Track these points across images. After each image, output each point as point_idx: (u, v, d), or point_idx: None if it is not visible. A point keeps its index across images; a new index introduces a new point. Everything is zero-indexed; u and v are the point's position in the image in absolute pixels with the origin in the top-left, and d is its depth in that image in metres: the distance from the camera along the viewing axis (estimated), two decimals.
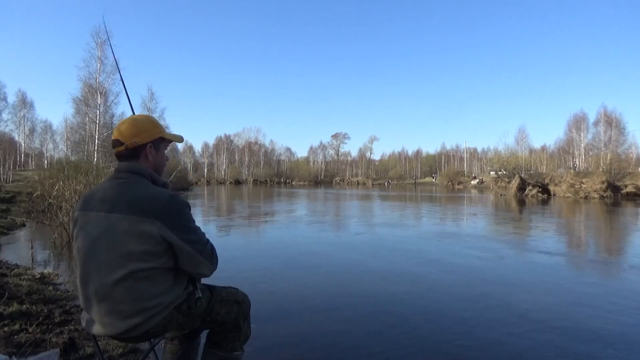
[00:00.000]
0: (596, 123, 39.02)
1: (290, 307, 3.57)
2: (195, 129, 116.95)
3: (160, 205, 1.25)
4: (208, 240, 1.37)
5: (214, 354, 1.51)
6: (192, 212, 1.37)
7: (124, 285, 1.23)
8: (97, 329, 1.30)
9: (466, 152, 77.81)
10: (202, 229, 1.39)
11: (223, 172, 71.36)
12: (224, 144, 74.91)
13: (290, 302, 3.72)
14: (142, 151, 1.40)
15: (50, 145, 40.64)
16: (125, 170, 1.36)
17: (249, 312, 1.57)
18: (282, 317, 3.28)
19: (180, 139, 1.61)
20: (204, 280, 1.46)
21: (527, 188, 25.65)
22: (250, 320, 1.58)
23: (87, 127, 20.97)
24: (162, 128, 1.47)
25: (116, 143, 1.38)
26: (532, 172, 34.44)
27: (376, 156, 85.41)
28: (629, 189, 24.27)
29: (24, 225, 9.07)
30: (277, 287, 4.22)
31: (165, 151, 1.52)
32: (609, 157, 31.02)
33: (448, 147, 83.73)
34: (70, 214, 1.45)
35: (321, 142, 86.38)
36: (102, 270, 1.25)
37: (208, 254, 1.35)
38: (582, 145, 40.61)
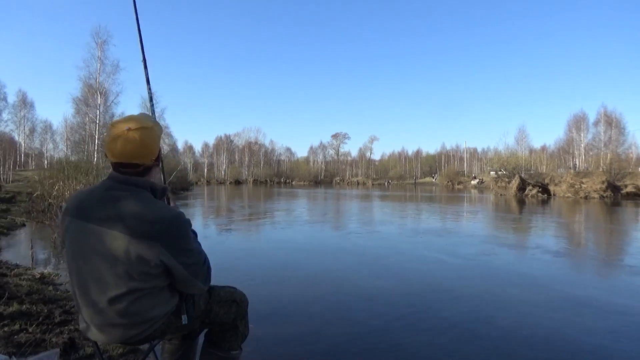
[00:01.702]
0: (596, 123, 39.04)
1: (289, 306, 3.57)
2: (195, 129, 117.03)
3: (161, 227, 1.19)
4: (205, 260, 1.34)
5: (212, 354, 1.52)
6: (192, 215, 1.35)
7: (121, 303, 1.20)
8: (94, 335, 1.29)
9: (466, 152, 77.84)
10: (201, 231, 1.39)
11: (223, 172, 71.36)
12: (224, 144, 74.88)
13: (290, 301, 3.72)
14: (153, 166, 1.34)
15: (50, 145, 40.66)
16: (124, 182, 1.26)
17: (247, 311, 1.57)
18: (282, 316, 3.28)
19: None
20: None
21: (527, 188, 25.64)
22: (248, 319, 1.59)
23: (87, 127, 21.01)
24: (161, 128, 1.42)
25: (129, 165, 1.25)
26: (532, 172, 34.44)
27: (376, 156, 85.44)
28: (629, 189, 24.28)
29: (24, 225, 9.05)
30: (277, 287, 4.22)
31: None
32: (609, 157, 31.03)
33: (448, 147, 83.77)
34: (61, 215, 1.38)
35: (321, 142, 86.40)
36: (98, 286, 1.22)
37: (203, 275, 1.32)
38: (582, 145, 40.61)
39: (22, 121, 36.83)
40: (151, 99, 1.89)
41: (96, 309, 1.23)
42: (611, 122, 36.97)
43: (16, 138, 37.13)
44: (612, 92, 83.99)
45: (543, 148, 56.04)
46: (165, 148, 30.07)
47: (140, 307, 1.23)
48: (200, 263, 1.30)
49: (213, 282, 1.54)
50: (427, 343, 2.76)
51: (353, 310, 3.44)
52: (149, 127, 1.29)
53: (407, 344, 2.74)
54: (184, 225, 1.26)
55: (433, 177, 71.04)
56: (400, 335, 2.88)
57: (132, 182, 1.26)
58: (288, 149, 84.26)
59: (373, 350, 2.62)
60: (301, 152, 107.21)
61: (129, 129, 1.24)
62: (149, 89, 1.87)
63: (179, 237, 1.23)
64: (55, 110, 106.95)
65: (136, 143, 1.23)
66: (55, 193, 7.20)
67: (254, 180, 67.00)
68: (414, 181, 69.33)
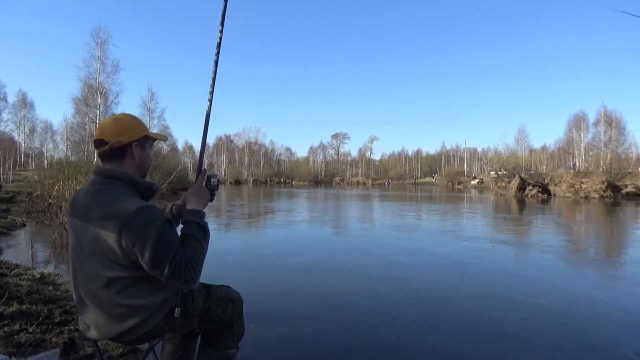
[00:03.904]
0: (596, 123, 39.03)
1: (289, 306, 3.57)
2: (195, 128, 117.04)
3: (123, 219, 1.18)
4: (174, 258, 1.19)
5: (209, 353, 1.52)
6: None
7: (108, 291, 1.24)
8: (92, 333, 1.31)
9: (466, 152, 77.84)
10: None
11: (223, 172, 71.34)
12: (224, 144, 74.96)
13: (290, 301, 3.73)
14: (128, 150, 1.36)
15: (50, 145, 40.68)
16: (103, 174, 1.32)
17: (241, 310, 1.58)
18: (282, 316, 3.28)
19: (164, 137, 1.58)
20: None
21: (527, 188, 25.64)
22: (243, 317, 1.59)
23: (87, 127, 21.01)
24: (146, 127, 1.44)
25: (100, 143, 1.33)
26: (532, 172, 34.46)
27: (376, 156, 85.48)
28: (629, 189, 24.30)
29: (24, 225, 9.07)
30: (276, 286, 4.22)
31: (150, 151, 1.48)
32: (609, 157, 31.04)
33: (448, 147, 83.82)
34: None
35: (321, 142, 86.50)
36: (87, 277, 1.27)
37: (174, 274, 1.19)
38: (582, 145, 40.60)
39: (22, 121, 36.89)
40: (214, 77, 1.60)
41: (89, 302, 1.28)
42: (611, 122, 36.96)
43: (16, 138, 37.17)
44: (612, 92, 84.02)
45: (543, 148, 56.14)
46: (165, 148, 30.05)
47: (128, 296, 1.25)
48: (165, 260, 1.18)
49: (209, 281, 1.54)
50: (429, 343, 2.76)
51: (353, 310, 3.44)
52: (126, 116, 1.42)
53: (408, 343, 2.74)
54: (149, 218, 1.20)
55: (433, 177, 71.02)
56: (401, 335, 2.88)
57: (109, 174, 1.32)
58: (288, 149, 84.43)
59: (373, 349, 2.63)
60: (301, 152, 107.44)
61: (112, 115, 1.44)
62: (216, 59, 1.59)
63: (140, 229, 1.18)
64: (55, 110, 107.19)
65: (107, 122, 1.38)
66: (55, 193, 7.19)
67: (254, 180, 66.98)
68: (414, 181, 69.32)
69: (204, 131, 1.58)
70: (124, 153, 1.35)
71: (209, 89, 1.59)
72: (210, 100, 1.58)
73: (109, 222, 1.20)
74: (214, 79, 1.58)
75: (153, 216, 1.21)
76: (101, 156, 1.36)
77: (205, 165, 1.61)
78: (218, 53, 1.59)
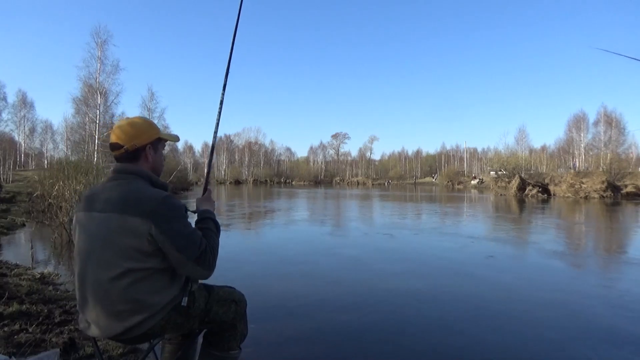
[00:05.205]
0: (596, 123, 39.04)
1: (289, 306, 3.56)
2: (195, 129, 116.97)
3: (152, 205, 1.24)
4: (201, 243, 1.30)
5: (211, 354, 1.52)
6: (192, 215, 1.36)
7: (120, 283, 1.23)
8: (93, 331, 1.30)
9: (466, 152, 77.80)
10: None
11: (223, 172, 71.36)
12: (224, 144, 74.92)
13: (290, 301, 3.72)
14: (142, 153, 1.41)
15: (50, 145, 40.73)
16: (123, 171, 1.37)
17: (245, 311, 1.58)
18: (282, 316, 3.28)
19: (176, 138, 1.64)
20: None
21: (527, 188, 25.63)
22: (247, 319, 1.59)
23: (87, 127, 20.97)
24: (158, 129, 1.49)
25: (115, 146, 1.39)
26: (532, 172, 34.44)
27: (376, 156, 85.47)
28: (629, 189, 24.28)
29: (24, 225, 9.07)
30: (277, 287, 4.22)
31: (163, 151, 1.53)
32: (609, 157, 31.04)
33: (448, 147, 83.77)
34: (72, 214, 1.45)
35: (321, 142, 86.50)
36: (99, 268, 1.26)
37: (199, 260, 1.28)
38: (582, 145, 40.59)
39: (22, 121, 36.84)
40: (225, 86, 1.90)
41: (95, 295, 1.27)
42: (611, 122, 36.95)
43: (16, 138, 37.13)
44: (612, 92, 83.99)
45: (543, 148, 56.13)
46: (165, 148, 30.08)
47: (140, 291, 1.25)
48: (193, 245, 1.27)
49: (211, 282, 1.54)
50: (431, 345, 2.76)
51: (353, 310, 3.44)
52: (140, 119, 1.47)
53: (408, 343, 2.74)
54: (176, 206, 1.29)
55: (433, 177, 71.00)
56: (401, 335, 2.88)
57: (130, 170, 1.38)
58: (288, 149, 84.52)
59: (373, 349, 2.62)
60: (301, 152, 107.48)
61: (126, 118, 1.47)
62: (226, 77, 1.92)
63: (169, 215, 1.26)
64: (55, 110, 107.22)
65: (122, 126, 1.42)
66: (55, 193, 7.18)
67: (254, 180, 67.03)
68: (414, 181, 69.31)
69: (210, 158, 1.95)
70: (139, 155, 1.41)
71: (215, 122, 1.83)
72: (216, 132, 1.83)
73: (137, 208, 1.24)
74: (218, 120, 1.84)
75: (179, 204, 1.31)
76: (117, 158, 1.41)
77: (205, 165, 1.71)
78: (222, 101, 1.85)
